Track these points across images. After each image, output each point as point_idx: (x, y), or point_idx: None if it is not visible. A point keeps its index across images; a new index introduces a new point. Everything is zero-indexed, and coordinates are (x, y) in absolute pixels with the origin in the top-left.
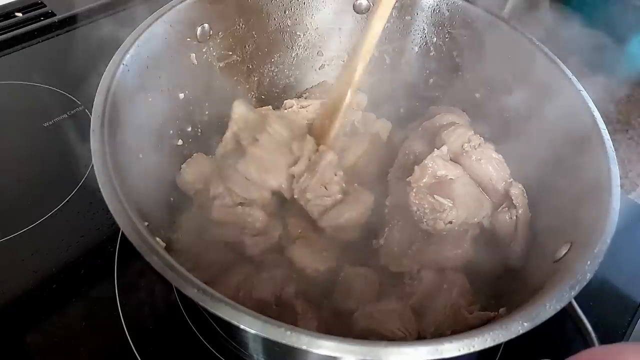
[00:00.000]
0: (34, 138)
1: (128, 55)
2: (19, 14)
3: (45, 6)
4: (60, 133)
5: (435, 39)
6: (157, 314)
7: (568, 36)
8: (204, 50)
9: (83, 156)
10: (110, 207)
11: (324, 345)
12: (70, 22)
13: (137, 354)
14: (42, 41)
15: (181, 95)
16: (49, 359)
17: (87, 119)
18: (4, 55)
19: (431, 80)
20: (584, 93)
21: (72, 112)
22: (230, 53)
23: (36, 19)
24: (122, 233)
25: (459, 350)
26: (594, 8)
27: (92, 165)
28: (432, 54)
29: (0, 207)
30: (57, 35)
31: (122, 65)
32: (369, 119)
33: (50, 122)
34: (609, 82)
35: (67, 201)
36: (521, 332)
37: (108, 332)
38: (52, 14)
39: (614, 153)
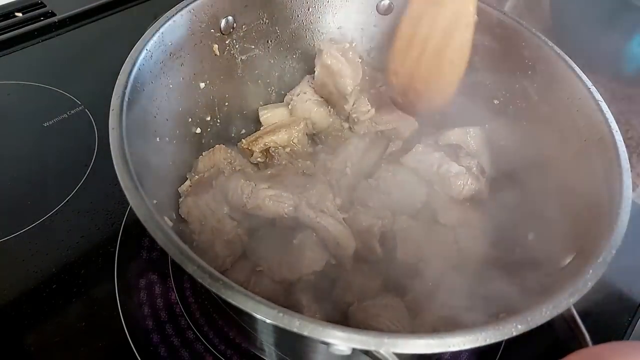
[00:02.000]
0: (34, 138)
1: (151, 42)
2: (19, 14)
3: (45, 6)
4: (60, 133)
5: None
6: (157, 314)
7: (568, 36)
8: (226, 42)
9: (83, 156)
10: (122, 183)
11: (333, 335)
12: (70, 22)
13: (137, 354)
14: (42, 41)
15: (202, 85)
16: (49, 359)
17: (87, 119)
18: (4, 55)
19: None
20: (603, 104)
21: (72, 112)
22: (253, 47)
23: (36, 19)
24: (122, 233)
25: (449, 347)
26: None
27: (92, 165)
28: None
29: (0, 207)
30: (57, 35)
31: (145, 51)
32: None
33: (50, 122)
34: (609, 82)
35: (67, 201)
36: (515, 334)
37: (108, 332)
38: (52, 14)
39: (628, 165)
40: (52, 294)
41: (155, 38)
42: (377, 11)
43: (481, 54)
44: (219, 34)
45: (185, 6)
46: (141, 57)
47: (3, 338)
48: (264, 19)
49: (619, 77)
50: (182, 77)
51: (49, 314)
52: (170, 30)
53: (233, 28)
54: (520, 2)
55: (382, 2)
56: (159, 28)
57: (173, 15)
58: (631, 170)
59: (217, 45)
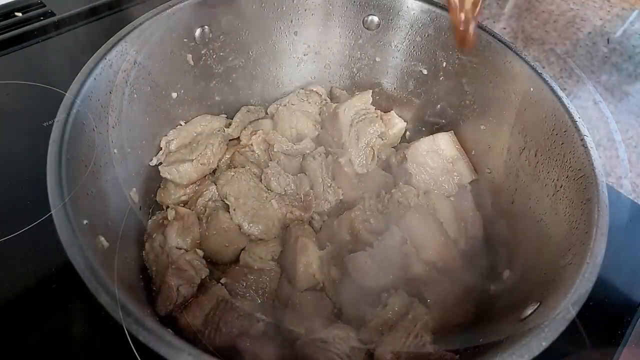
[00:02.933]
0: (34, 138)
1: (113, 51)
2: (19, 14)
3: (45, 6)
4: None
5: (445, 63)
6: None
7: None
8: (202, 52)
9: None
10: (51, 200)
11: None
12: (70, 22)
13: (137, 354)
14: (42, 41)
15: (174, 95)
16: (49, 358)
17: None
18: (3, 55)
19: (439, 106)
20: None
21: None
22: (231, 58)
23: (36, 18)
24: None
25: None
26: None
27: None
28: (441, 78)
29: (0, 207)
30: (57, 35)
31: (103, 60)
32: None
33: (50, 122)
34: (608, 81)
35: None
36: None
37: (108, 332)
38: (52, 14)
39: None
40: (52, 294)
41: (117, 47)
42: (364, 26)
43: (472, 78)
44: (193, 44)
45: (154, 15)
46: (99, 67)
47: (3, 338)
48: (244, 30)
49: (619, 76)
50: (149, 86)
51: (49, 314)
52: (136, 38)
53: (209, 38)
54: (520, 3)
55: (370, 18)
56: (124, 36)
57: (140, 24)
58: (631, 170)
59: (191, 55)
